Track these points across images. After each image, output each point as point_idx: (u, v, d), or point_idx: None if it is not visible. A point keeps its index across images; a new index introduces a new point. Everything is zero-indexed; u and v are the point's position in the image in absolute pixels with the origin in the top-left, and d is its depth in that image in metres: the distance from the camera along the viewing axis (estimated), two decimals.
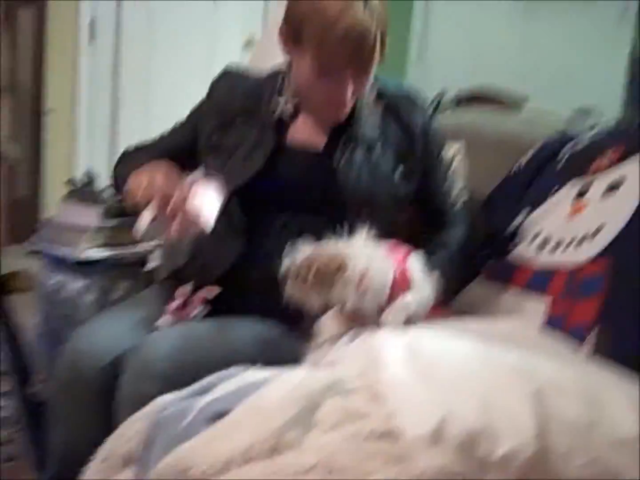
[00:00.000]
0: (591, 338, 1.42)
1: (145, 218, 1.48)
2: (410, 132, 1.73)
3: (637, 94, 2.85)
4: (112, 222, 2.42)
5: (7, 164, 3.68)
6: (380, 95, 1.73)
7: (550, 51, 3.45)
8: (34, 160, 4.32)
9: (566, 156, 1.82)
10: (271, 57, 1.81)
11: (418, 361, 1.24)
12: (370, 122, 1.70)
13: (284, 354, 1.43)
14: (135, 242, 2.35)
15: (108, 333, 1.57)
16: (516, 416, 1.10)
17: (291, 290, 1.45)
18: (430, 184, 1.78)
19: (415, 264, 1.53)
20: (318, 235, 1.51)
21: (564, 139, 1.91)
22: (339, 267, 1.41)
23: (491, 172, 2.01)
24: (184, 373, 1.39)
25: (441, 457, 1.04)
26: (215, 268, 1.67)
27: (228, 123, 1.72)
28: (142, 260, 2.46)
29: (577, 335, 1.45)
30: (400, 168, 1.71)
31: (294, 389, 1.21)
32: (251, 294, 1.59)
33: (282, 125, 1.71)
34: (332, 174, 1.65)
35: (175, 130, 1.85)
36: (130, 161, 1.78)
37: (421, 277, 1.52)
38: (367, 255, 1.45)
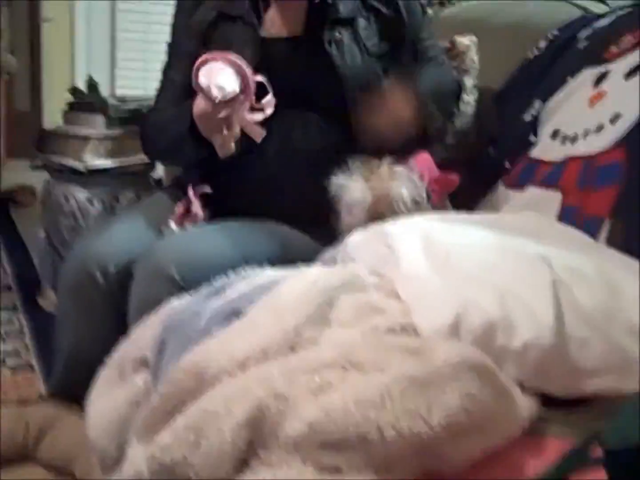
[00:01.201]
0: (605, 230, 1.40)
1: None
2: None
3: None
4: (116, 131, 2.38)
5: (5, 77, 3.61)
6: None
7: None
8: (33, 71, 4.25)
9: (582, 42, 1.76)
10: None
11: (434, 253, 1.21)
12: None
13: (296, 253, 1.41)
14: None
15: (117, 237, 1.56)
16: (534, 306, 1.09)
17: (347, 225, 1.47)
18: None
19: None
20: (319, 131, 1.51)
21: (582, 22, 1.83)
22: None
23: (505, 65, 1.94)
24: (196, 276, 1.37)
25: (459, 349, 1.03)
26: (213, 170, 1.64)
27: (210, 34, 1.65)
28: (147, 168, 2.44)
29: (591, 226, 1.42)
30: (388, 42, 1.66)
31: (309, 286, 1.19)
32: (254, 194, 1.56)
33: (260, 19, 1.65)
34: (324, 59, 1.61)
35: (174, 64, 1.74)
36: (157, 119, 1.72)
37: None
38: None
